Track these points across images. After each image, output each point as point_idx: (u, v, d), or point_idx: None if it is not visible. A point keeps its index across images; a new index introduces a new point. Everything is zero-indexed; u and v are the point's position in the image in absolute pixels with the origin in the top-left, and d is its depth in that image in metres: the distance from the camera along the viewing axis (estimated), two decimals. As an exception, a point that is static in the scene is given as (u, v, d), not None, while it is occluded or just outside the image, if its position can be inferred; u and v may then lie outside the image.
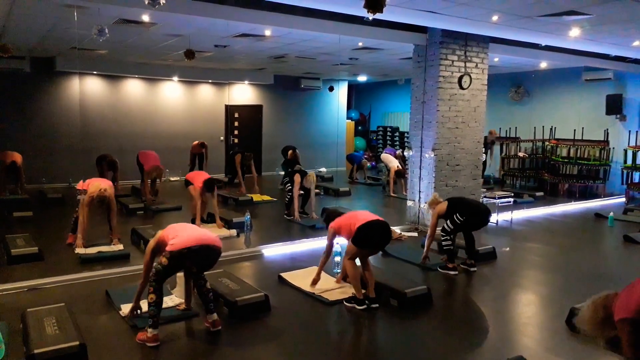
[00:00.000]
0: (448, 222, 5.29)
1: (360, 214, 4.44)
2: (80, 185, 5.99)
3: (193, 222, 6.81)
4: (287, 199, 8.03)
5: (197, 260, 3.64)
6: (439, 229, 5.46)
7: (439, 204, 5.45)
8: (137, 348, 3.53)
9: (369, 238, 4.24)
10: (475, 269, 5.42)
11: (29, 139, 10.27)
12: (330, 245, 4.63)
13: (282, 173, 8.07)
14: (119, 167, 9.57)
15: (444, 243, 5.32)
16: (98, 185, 5.75)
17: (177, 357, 3.46)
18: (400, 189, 10.35)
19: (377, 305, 4.31)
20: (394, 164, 10.53)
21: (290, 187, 7.91)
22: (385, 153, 11.35)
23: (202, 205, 7.07)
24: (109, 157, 9.59)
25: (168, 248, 3.54)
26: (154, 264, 3.65)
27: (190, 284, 4.07)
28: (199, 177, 7.12)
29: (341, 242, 5.53)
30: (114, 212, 5.97)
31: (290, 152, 11.03)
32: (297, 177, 7.78)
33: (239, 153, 10.42)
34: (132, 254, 5.69)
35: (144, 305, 3.75)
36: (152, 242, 3.77)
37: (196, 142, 11.20)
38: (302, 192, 8.01)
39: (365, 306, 4.26)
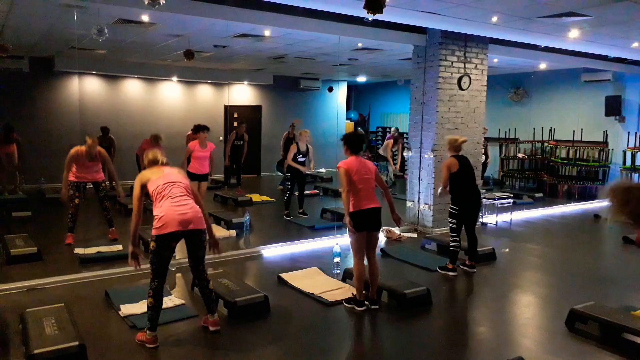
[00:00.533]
0: (450, 218, 5.31)
1: (363, 184, 4.22)
2: (70, 176, 6.01)
3: None
4: (285, 198, 8.03)
5: (181, 239, 3.64)
6: (446, 229, 5.45)
7: (454, 158, 5.31)
8: (136, 348, 3.52)
9: (362, 224, 4.19)
10: (475, 270, 5.42)
11: (28, 139, 10.21)
12: (348, 187, 4.19)
13: (280, 174, 8.03)
14: (113, 140, 9.72)
15: (452, 243, 5.32)
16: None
17: (176, 358, 3.45)
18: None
19: (377, 306, 4.31)
20: (389, 140, 10.71)
21: (289, 186, 7.92)
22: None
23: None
24: (102, 130, 9.67)
25: (153, 232, 3.58)
26: (149, 259, 3.64)
27: None
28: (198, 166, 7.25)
29: (341, 243, 5.55)
30: (110, 163, 6.19)
31: (285, 133, 10.77)
32: (293, 147, 7.83)
33: (233, 131, 10.16)
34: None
35: (144, 306, 3.73)
36: (137, 190, 3.82)
37: (190, 132, 11.04)
38: (297, 192, 8.00)
39: (364, 307, 4.26)
